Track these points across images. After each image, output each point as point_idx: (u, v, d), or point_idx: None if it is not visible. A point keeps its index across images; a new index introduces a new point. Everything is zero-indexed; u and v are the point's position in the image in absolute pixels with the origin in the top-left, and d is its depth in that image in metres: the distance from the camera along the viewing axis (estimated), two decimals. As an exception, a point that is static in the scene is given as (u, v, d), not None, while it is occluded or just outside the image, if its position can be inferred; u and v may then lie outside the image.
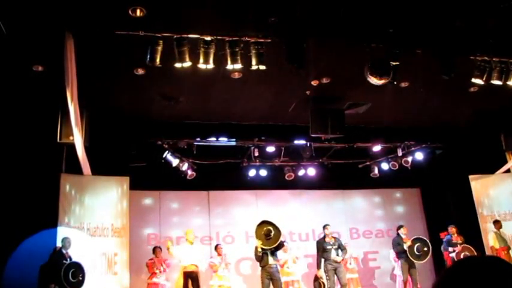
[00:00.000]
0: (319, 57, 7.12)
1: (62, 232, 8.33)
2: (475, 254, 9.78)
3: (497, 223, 10.42)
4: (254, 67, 6.53)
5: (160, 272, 10.33)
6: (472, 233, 10.87)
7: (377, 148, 11.58)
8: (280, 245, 10.15)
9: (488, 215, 10.56)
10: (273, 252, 9.96)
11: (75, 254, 8.29)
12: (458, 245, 10.58)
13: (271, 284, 9.69)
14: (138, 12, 5.81)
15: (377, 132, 10.89)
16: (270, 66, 6.64)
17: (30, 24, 5.91)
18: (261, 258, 9.79)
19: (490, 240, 10.42)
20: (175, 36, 6.22)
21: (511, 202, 10.53)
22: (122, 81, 7.70)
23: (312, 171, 12.24)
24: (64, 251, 8.14)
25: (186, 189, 12.25)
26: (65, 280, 7.65)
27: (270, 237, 9.81)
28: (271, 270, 9.73)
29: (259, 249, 9.74)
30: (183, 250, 10.19)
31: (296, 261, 11.25)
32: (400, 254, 10.56)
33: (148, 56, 6.22)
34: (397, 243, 10.61)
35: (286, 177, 12.19)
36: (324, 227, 10.22)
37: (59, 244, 8.18)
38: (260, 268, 9.87)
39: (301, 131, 9.69)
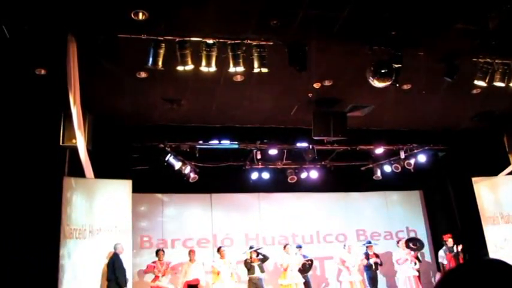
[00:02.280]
0: (321, 59, 7.12)
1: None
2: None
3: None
4: (256, 70, 6.53)
5: (162, 275, 10.34)
6: (474, 236, 10.85)
7: (379, 150, 11.56)
8: (266, 259, 11.24)
9: (491, 217, 10.53)
10: (260, 265, 11.00)
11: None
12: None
13: None
14: (140, 16, 5.82)
15: (379, 135, 10.87)
16: (272, 69, 6.64)
17: (32, 28, 5.92)
18: (249, 267, 10.93)
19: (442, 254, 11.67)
20: (177, 40, 6.23)
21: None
22: (124, 85, 7.71)
23: (314, 174, 12.23)
24: (119, 255, 9.10)
25: (189, 192, 12.26)
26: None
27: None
28: (257, 281, 10.84)
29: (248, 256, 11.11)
30: (187, 267, 10.95)
31: (302, 263, 11.27)
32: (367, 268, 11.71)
33: (151, 59, 6.22)
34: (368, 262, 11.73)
35: (288, 180, 12.19)
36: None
37: (112, 249, 9.05)
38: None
39: (304, 133, 9.68)
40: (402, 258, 11.51)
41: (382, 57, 6.74)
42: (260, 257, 11.20)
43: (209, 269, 11.03)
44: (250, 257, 11.05)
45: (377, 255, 11.90)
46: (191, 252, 11.07)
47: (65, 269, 8.29)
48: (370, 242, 12.19)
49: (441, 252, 11.63)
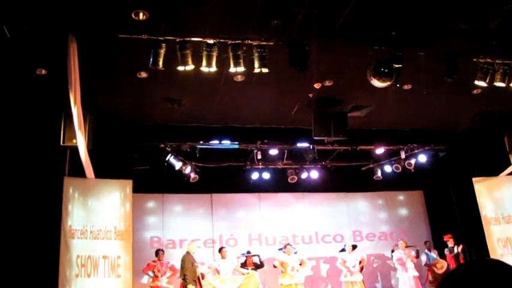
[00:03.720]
0: (322, 59, 7.11)
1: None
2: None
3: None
4: (257, 70, 6.52)
5: (162, 275, 10.35)
6: (475, 236, 10.85)
7: (380, 151, 11.55)
8: (261, 266, 11.34)
9: (492, 218, 10.52)
10: (254, 269, 11.01)
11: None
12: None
13: None
14: (141, 16, 5.82)
15: (380, 135, 10.87)
16: (272, 69, 6.64)
17: (33, 28, 5.92)
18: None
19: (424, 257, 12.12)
20: (178, 40, 6.23)
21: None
22: (125, 85, 7.71)
23: (315, 174, 12.24)
24: (192, 254, 10.14)
25: (189, 192, 12.27)
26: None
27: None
28: None
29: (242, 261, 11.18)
30: None
31: (305, 263, 11.25)
32: None
33: (151, 59, 6.22)
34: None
35: (289, 180, 12.19)
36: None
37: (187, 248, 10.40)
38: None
39: (304, 133, 9.67)
40: (402, 258, 11.51)
41: (382, 57, 6.74)
42: (256, 261, 11.22)
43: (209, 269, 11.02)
44: (245, 262, 11.07)
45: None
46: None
47: (66, 269, 8.28)
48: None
49: (423, 256, 11.86)
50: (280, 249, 11.34)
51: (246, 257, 11.15)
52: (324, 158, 12.07)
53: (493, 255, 10.03)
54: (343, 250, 11.92)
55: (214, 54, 6.33)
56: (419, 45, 6.91)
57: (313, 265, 12.47)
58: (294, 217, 12.98)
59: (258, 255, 11.52)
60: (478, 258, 10.15)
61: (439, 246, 12.19)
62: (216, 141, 10.65)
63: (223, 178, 11.86)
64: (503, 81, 7.31)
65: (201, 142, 10.53)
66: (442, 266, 11.43)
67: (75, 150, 7.85)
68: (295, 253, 11.25)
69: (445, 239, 11.62)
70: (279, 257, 11.11)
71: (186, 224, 12.36)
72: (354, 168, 12.59)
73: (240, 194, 12.92)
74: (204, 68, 6.40)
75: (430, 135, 11.15)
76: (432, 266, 11.58)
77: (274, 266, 11.15)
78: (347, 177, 12.84)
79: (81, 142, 7.49)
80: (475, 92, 8.28)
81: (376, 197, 13.87)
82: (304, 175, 12.23)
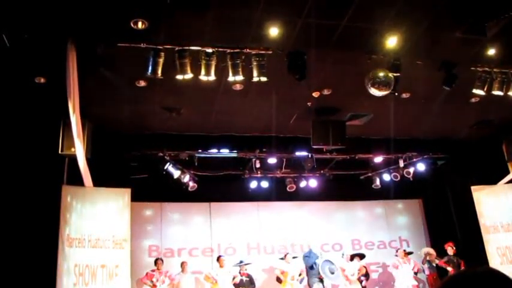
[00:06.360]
0: (320, 68, 7.14)
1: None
2: None
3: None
4: (255, 79, 6.54)
5: (161, 284, 10.29)
6: (474, 244, 10.83)
7: (378, 159, 11.56)
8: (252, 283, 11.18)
9: (490, 226, 10.50)
10: (247, 281, 10.91)
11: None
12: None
13: None
14: (140, 25, 5.83)
15: (378, 143, 10.87)
16: (271, 77, 6.66)
17: (32, 36, 5.93)
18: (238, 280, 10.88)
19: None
20: (176, 48, 6.25)
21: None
22: (123, 93, 7.71)
23: (313, 183, 12.22)
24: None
25: (188, 201, 12.23)
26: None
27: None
28: None
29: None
30: (179, 278, 10.84)
31: (303, 273, 11.21)
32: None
33: (150, 68, 6.24)
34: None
35: (287, 189, 12.17)
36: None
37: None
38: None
39: (303, 142, 9.68)
40: (399, 265, 11.44)
41: (380, 66, 6.76)
42: (249, 272, 11.14)
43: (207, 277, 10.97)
44: (240, 271, 11.01)
45: None
46: (183, 264, 11.01)
47: (63, 278, 8.25)
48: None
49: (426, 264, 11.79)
50: (282, 258, 11.31)
51: (240, 266, 11.06)
52: (323, 167, 12.07)
53: (491, 264, 10.01)
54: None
55: (213, 63, 6.35)
56: (418, 54, 6.93)
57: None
58: (292, 226, 12.94)
59: (250, 263, 11.43)
60: (475, 266, 10.10)
61: (439, 254, 12.13)
62: (215, 150, 10.65)
63: (222, 187, 11.84)
64: (501, 89, 7.34)
65: (200, 151, 10.53)
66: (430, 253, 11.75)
67: (73, 158, 7.83)
68: (294, 258, 11.19)
69: (445, 247, 11.55)
70: (280, 266, 11.07)
71: (185, 233, 12.32)
72: (352, 176, 12.60)
73: (238, 203, 12.88)
74: (202, 77, 6.41)
75: (429, 144, 11.17)
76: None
77: (278, 279, 11.07)
78: (346, 185, 12.83)
79: (79, 150, 7.48)
80: (473, 100, 8.30)
81: (375, 205, 13.85)
82: (302, 184, 12.21)
